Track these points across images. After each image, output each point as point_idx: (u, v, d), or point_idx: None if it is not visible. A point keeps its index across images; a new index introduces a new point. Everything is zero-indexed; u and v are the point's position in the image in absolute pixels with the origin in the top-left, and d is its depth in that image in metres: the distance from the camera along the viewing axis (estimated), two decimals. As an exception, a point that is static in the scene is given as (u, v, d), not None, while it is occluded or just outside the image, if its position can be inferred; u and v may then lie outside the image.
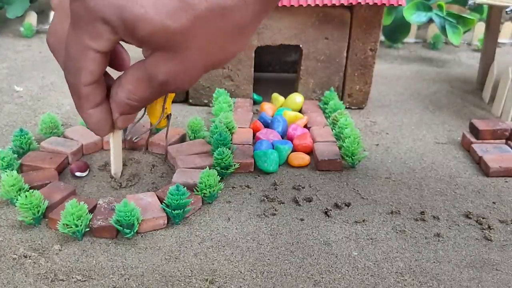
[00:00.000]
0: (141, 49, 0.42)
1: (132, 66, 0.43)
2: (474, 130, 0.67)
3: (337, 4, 0.71)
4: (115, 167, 0.56)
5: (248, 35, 0.41)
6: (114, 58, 0.47)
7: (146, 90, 0.43)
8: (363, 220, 0.51)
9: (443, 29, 0.99)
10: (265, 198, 0.54)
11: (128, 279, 0.43)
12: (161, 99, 0.53)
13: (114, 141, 0.54)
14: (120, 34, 0.39)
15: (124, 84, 0.44)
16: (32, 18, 1.11)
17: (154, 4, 0.36)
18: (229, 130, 0.65)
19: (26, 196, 0.47)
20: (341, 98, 0.79)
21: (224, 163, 0.56)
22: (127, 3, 0.36)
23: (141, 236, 0.48)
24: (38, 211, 0.48)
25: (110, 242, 0.47)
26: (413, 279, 0.44)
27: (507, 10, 0.77)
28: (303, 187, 0.57)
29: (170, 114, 0.57)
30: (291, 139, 0.65)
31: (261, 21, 0.41)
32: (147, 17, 0.36)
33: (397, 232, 0.50)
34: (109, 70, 0.45)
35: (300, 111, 0.75)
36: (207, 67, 0.42)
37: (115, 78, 0.46)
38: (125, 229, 0.46)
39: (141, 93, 0.44)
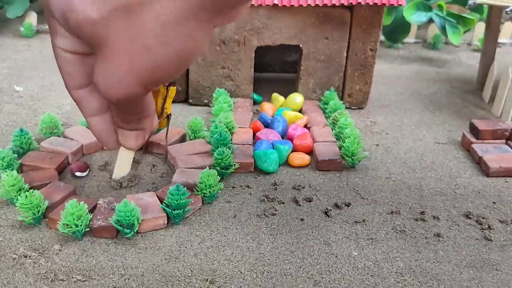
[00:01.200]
0: None
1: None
2: (474, 130, 0.67)
3: (337, 4, 0.71)
4: (117, 172, 0.55)
5: (180, 36, 0.37)
6: None
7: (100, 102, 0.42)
8: (363, 220, 0.51)
9: (443, 29, 0.99)
10: (265, 198, 0.54)
11: (128, 279, 0.43)
12: (161, 99, 0.53)
13: (122, 153, 0.53)
14: (64, 28, 0.38)
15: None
16: (32, 18, 1.11)
17: None
18: (229, 130, 0.65)
19: (26, 196, 0.47)
20: (341, 98, 0.79)
21: (224, 163, 0.56)
22: None
23: (141, 236, 0.48)
24: (38, 211, 0.48)
25: (110, 242, 0.47)
26: (413, 279, 0.44)
27: (507, 10, 0.77)
28: (303, 187, 0.57)
29: (170, 114, 0.57)
30: (291, 139, 0.65)
31: (205, 25, 0.37)
32: (73, 6, 0.36)
33: (397, 232, 0.50)
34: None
35: (300, 111, 0.75)
36: (137, 73, 0.38)
37: None
38: (125, 229, 0.46)
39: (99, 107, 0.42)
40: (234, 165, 0.57)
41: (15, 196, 0.50)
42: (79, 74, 0.41)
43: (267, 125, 0.69)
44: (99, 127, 0.44)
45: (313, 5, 0.71)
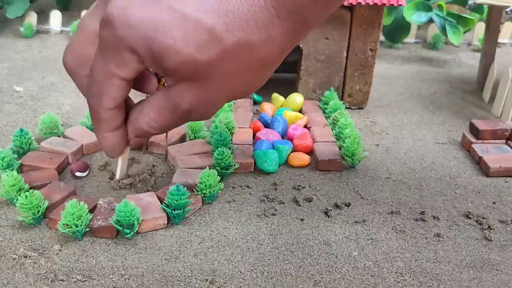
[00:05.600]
0: None
1: (155, 93, 0.44)
2: (474, 130, 0.67)
3: (337, 4, 0.71)
4: (121, 174, 0.56)
5: (272, 69, 0.42)
6: (140, 80, 0.47)
7: (169, 118, 0.44)
8: (363, 220, 0.51)
9: (443, 29, 0.99)
10: (265, 198, 0.54)
11: (128, 279, 0.43)
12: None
13: (124, 152, 0.54)
14: (147, 64, 0.39)
15: (146, 111, 0.44)
16: (32, 18, 1.11)
17: (184, 37, 0.36)
18: (229, 130, 0.65)
19: (26, 196, 0.47)
20: (341, 98, 0.79)
21: (224, 163, 0.56)
22: (156, 35, 0.36)
23: (141, 236, 0.48)
24: (38, 211, 0.48)
25: (110, 242, 0.47)
26: (413, 279, 0.44)
27: (507, 10, 0.77)
28: (303, 187, 0.57)
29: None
30: (291, 139, 0.65)
31: (285, 55, 0.42)
32: (175, 48, 0.36)
33: (397, 232, 0.50)
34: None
35: (300, 111, 0.75)
36: (229, 98, 0.43)
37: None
38: (125, 229, 0.46)
39: (163, 121, 0.44)
40: (234, 165, 0.57)
41: (15, 196, 0.50)
42: (123, 97, 0.43)
43: (267, 125, 0.69)
44: (116, 140, 0.46)
45: (313, 5, 0.71)
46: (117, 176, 0.56)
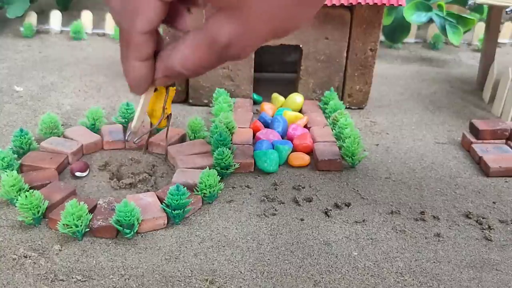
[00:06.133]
0: None
1: (191, 32, 0.42)
2: (474, 130, 0.67)
3: (337, 4, 0.71)
4: (136, 123, 0.54)
5: (318, 4, 0.39)
6: (173, 16, 0.45)
7: (205, 56, 0.42)
8: (363, 220, 0.51)
9: (443, 29, 0.99)
10: (265, 198, 0.54)
11: (128, 279, 0.43)
12: (161, 100, 0.53)
13: (145, 97, 0.53)
14: None
15: (181, 48, 0.42)
16: (32, 18, 1.11)
17: None
18: (229, 130, 0.65)
19: (26, 196, 0.47)
20: (341, 98, 0.79)
21: (224, 163, 0.56)
22: None
23: (141, 236, 0.48)
24: (38, 211, 0.48)
25: (110, 242, 0.47)
26: (413, 279, 0.44)
27: (507, 10, 0.77)
28: (303, 187, 0.57)
29: (170, 114, 0.56)
30: (291, 139, 0.65)
31: None
32: None
33: (397, 232, 0.50)
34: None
35: (300, 111, 0.75)
36: (269, 33, 0.40)
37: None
38: (125, 229, 0.46)
39: (198, 59, 0.42)
40: (234, 165, 0.57)
41: (15, 196, 0.50)
42: (158, 22, 0.41)
43: (267, 125, 0.69)
44: (143, 71, 0.44)
45: (313, 5, 0.71)
46: (133, 125, 0.53)
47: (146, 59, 0.43)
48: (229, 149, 0.59)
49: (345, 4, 0.71)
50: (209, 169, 0.53)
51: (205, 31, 0.40)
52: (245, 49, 0.41)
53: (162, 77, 0.45)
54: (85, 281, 0.42)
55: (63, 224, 0.46)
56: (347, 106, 0.79)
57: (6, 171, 0.52)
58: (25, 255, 0.44)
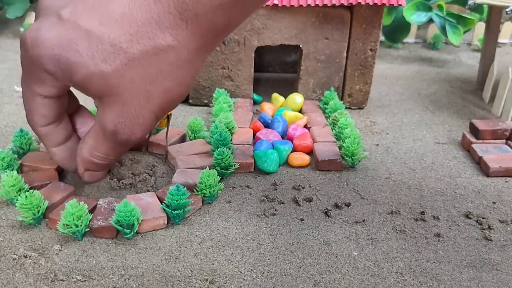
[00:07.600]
0: None
1: (95, 123, 0.45)
2: (474, 130, 0.67)
3: (337, 4, 0.71)
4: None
5: (191, 70, 0.42)
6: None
7: (105, 145, 0.45)
8: (363, 220, 0.51)
9: (443, 29, 0.99)
10: (265, 198, 0.54)
11: (128, 279, 0.43)
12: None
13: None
14: (60, 80, 0.41)
15: (86, 139, 0.46)
16: (32, 19, 1.11)
17: (89, 50, 0.38)
18: (229, 130, 0.65)
19: (26, 196, 0.47)
20: (341, 98, 0.79)
21: (224, 163, 0.56)
22: (62, 51, 0.38)
23: (141, 236, 0.48)
24: (38, 211, 0.48)
25: (110, 242, 0.47)
26: (413, 279, 0.44)
27: (507, 10, 0.77)
28: (303, 187, 0.57)
29: (170, 114, 0.57)
30: (291, 139, 0.65)
31: (206, 55, 0.42)
32: (81, 62, 0.38)
33: (397, 232, 0.50)
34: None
35: (300, 111, 0.75)
36: (155, 110, 0.42)
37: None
38: (125, 229, 0.46)
39: (101, 148, 0.45)
40: (234, 165, 0.57)
41: (15, 196, 0.50)
42: (54, 114, 0.45)
43: (267, 125, 0.69)
44: (64, 154, 0.48)
45: (313, 5, 0.71)
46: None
47: (60, 144, 0.47)
48: (229, 149, 0.59)
49: (345, 4, 0.71)
50: (209, 169, 0.53)
51: (96, 122, 0.44)
52: (134, 131, 0.43)
53: (84, 171, 0.48)
54: (85, 281, 0.42)
55: (63, 224, 0.46)
56: (347, 106, 0.79)
57: (6, 171, 0.52)
58: (25, 255, 0.45)
